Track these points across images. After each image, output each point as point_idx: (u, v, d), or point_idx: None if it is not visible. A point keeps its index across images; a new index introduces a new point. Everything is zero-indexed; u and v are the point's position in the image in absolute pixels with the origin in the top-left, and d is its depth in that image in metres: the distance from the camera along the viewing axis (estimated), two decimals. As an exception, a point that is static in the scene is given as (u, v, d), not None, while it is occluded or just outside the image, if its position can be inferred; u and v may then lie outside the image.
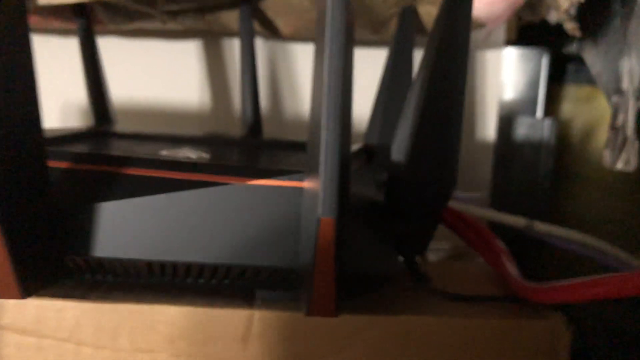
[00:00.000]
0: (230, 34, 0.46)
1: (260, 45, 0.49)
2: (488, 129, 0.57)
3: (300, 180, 0.18)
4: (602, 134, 0.56)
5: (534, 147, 0.56)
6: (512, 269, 0.23)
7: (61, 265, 0.19)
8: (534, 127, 0.56)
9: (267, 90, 0.50)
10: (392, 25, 0.37)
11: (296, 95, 0.50)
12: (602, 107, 0.56)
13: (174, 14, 0.38)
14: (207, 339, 0.19)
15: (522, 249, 0.30)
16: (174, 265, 0.19)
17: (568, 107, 0.58)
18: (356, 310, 0.19)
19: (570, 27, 0.35)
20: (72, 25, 0.37)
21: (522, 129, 0.56)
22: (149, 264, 0.19)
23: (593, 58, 0.48)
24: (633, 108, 0.40)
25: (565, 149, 0.56)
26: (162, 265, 0.19)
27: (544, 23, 0.42)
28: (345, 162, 0.15)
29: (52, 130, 0.26)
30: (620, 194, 0.54)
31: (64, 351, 0.19)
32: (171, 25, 0.40)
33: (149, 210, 0.18)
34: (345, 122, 0.15)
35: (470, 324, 0.20)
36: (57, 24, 0.39)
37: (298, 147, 0.29)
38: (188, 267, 0.19)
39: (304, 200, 0.18)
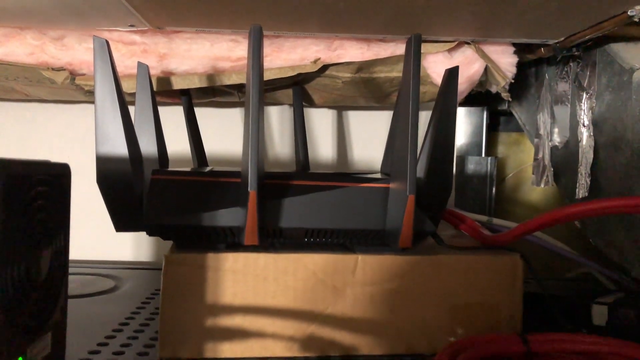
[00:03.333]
0: (274, 104, 0.64)
1: (287, 109, 0.67)
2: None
3: (387, 183, 0.36)
4: (527, 168, 0.77)
5: (481, 178, 0.73)
6: (485, 232, 0.41)
7: (264, 234, 0.35)
8: (480, 163, 0.73)
9: (291, 139, 0.67)
10: (392, 97, 0.56)
11: (314, 143, 0.68)
12: (526, 148, 0.77)
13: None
14: (334, 271, 0.36)
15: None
16: (318, 230, 0.36)
17: (502, 149, 0.78)
18: (413, 253, 0.37)
19: (505, 95, 0.55)
20: (178, 101, 0.54)
21: (472, 165, 0.73)
22: (307, 230, 0.36)
23: (519, 113, 0.67)
24: (547, 146, 0.59)
25: (502, 179, 0.75)
26: (310, 230, 0.36)
27: (485, 91, 0.61)
28: (415, 168, 0.33)
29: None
30: (541, 209, 0.73)
31: (257, 281, 0.35)
32: (241, 99, 0.57)
33: (307, 200, 0.35)
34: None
35: (467, 258, 0.37)
36: (168, 100, 0.55)
37: (339, 174, 0.47)
38: (324, 231, 0.36)
39: (391, 193, 0.36)
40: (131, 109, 0.40)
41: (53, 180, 0.26)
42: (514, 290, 0.38)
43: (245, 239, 0.34)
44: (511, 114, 0.74)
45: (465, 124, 0.73)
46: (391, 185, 0.36)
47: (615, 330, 0.39)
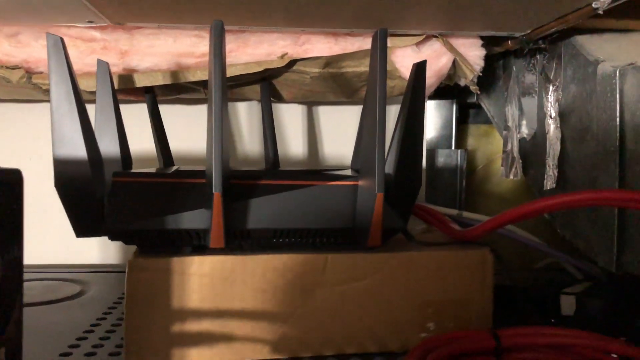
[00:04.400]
0: (242, 100, 0.62)
1: (255, 105, 0.66)
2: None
3: (356, 181, 0.36)
4: (497, 160, 0.77)
5: (451, 171, 0.73)
6: (455, 227, 0.41)
7: (231, 236, 0.34)
8: (450, 156, 0.73)
9: (260, 136, 0.66)
10: (361, 92, 0.55)
11: (284, 140, 0.67)
12: (495, 140, 0.77)
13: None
14: (303, 271, 0.35)
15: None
16: (287, 230, 0.35)
17: (471, 141, 0.78)
18: (383, 250, 0.37)
19: (473, 88, 0.55)
20: (141, 98, 0.52)
21: (442, 158, 0.73)
22: (275, 231, 0.35)
23: (488, 106, 0.68)
24: (516, 138, 0.59)
25: (471, 172, 0.75)
26: (279, 230, 0.35)
27: (454, 84, 0.61)
28: (383, 165, 0.32)
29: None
30: (511, 201, 0.74)
31: (225, 285, 0.34)
32: (207, 96, 0.55)
33: (275, 201, 0.34)
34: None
35: (437, 254, 0.37)
36: (131, 98, 0.54)
37: (310, 172, 0.46)
38: (293, 231, 0.35)
39: (360, 191, 0.35)
40: (91, 108, 0.38)
41: (3, 187, 0.25)
42: (484, 285, 0.38)
43: (211, 242, 0.33)
44: (480, 107, 0.74)
45: (435, 117, 0.73)
46: (360, 183, 0.36)
47: (583, 320, 0.39)
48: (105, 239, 0.65)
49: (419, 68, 0.40)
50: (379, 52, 0.32)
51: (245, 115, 0.66)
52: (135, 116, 0.55)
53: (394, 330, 0.37)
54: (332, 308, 0.36)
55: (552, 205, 0.34)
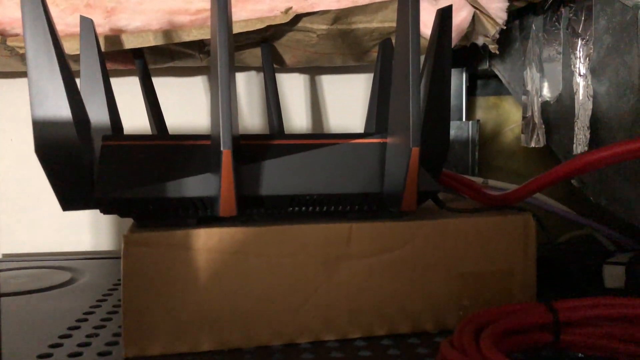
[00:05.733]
0: (240, 69, 0.58)
1: (254, 76, 0.61)
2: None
3: (384, 138, 0.31)
4: (506, 133, 0.73)
5: (463, 143, 0.69)
6: (490, 193, 0.36)
7: (242, 205, 0.29)
8: (461, 128, 0.70)
9: (261, 109, 0.62)
10: (372, 53, 0.51)
11: (286, 111, 0.62)
12: (504, 112, 0.73)
13: (209, 54, 0.49)
14: (325, 243, 0.31)
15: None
16: (305, 197, 0.31)
17: (479, 114, 0.74)
18: (413, 218, 0.32)
19: (492, 47, 0.51)
20: (130, 67, 0.47)
21: (453, 130, 0.69)
22: (291, 198, 0.30)
23: (502, 71, 0.63)
24: (537, 103, 0.55)
25: (481, 145, 0.71)
26: (296, 197, 0.31)
27: (462, 49, 0.56)
28: (418, 117, 0.28)
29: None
30: (522, 175, 0.70)
31: (237, 260, 0.30)
32: (204, 62, 0.51)
33: (292, 162, 0.30)
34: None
35: (475, 220, 0.33)
36: (119, 66, 0.49)
37: (320, 135, 0.42)
38: (312, 198, 0.31)
39: (389, 149, 0.30)
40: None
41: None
42: (527, 254, 0.34)
43: (221, 209, 0.28)
44: (488, 77, 0.70)
45: (445, 87, 0.69)
46: (389, 140, 0.31)
47: (637, 291, 0.35)
48: (96, 223, 0.61)
49: (445, 14, 0.36)
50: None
51: (245, 87, 0.61)
52: (124, 92, 0.50)
53: (428, 307, 0.32)
54: (358, 283, 0.31)
55: (607, 158, 0.29)
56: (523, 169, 0.73)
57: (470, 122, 0.70)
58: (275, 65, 0.54)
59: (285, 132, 0.53)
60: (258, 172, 0.30)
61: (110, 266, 0.53)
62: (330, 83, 0.63)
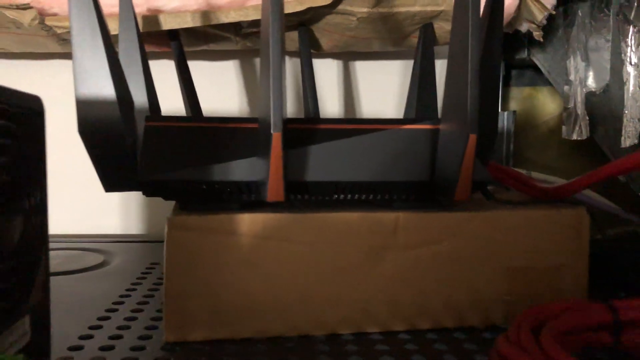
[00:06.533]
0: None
1: (287, 59, 0.60)
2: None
3: (436, 124, 0.30)
4: (541, 125, 0.71)
5: (498, 134, 0.68)
6: (541, 185, 0.35)
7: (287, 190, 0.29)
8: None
9: (294, 93, 0.60)
10: (412, 38, 0.49)
11: (319, 97, 0.61)
12: (539, 104, 0.71)
13: (245, 37, 0.48)
14: (371, 232, 0.30)
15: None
16: (352, 184, 0.30)
17: (513, 105, 0.72)
18: (462, 209, 0.31)
19: (537, 34, 0.49)
20: (165, 49, 0.46)
21: (487, 121, 0.67)
22: (337, 184, 0.30)
23: (542, 61, 0.61)
24: (581, 93, 0.53)
25: (515, 137, 0.69)
26: (342, 184, 0.30)
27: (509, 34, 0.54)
28: (477, 104, 0.27)
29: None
30: (555, 169, 0.69)
31: (280, 247, 0.29)
32: (239, 45, 0.50)
33: (340, 148, 0.29)
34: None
35: (528, 213, 0.32)
36: (154, 48, 0.48)
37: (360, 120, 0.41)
38: (359, 185, 0.30)
39: (442, 136, 0.29)
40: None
41: (21, 115, 0.19)
42: (579, 250, 0.32)
43: (269, 194, 0.27)
44: (525, 67, 0.68)
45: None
46: (442, 127, 0.30)
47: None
48: (127, 207, 0.61)
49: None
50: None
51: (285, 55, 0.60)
52: (160, 72, 0.49)
53: (475, 301, 0.31)
54: (403, 275, 0.30)
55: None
56: (556, 163, 0.71)
57: (505, 113, 0.68)
58: (311, 50, 0.52)
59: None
60: (304, 157, 0.29)
61: (141, 250, 0.52)
62: (363, 69, 0.61)
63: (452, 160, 0.28)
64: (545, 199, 0.34)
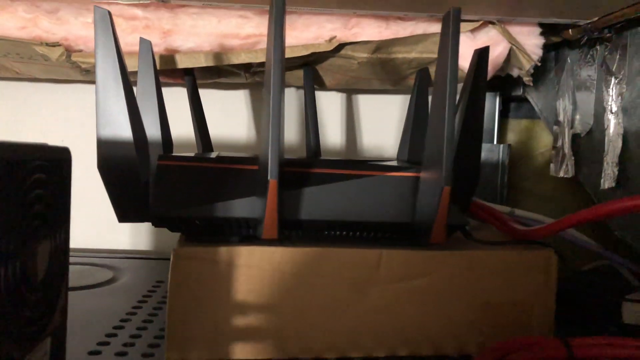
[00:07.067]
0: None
1: (294, 92, 0.64)
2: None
3: (417, 172, 0.33)
4: (537, 156, 0.74)
5: (493, 166, 0.71)
6: (516, 225, 0.38)
7: (282, 226, 0.32)
8: (492, 151, 0.71)
9: (299, 124, 0.64)
10: (409, 80, 0.53)
11: (322, 128, 0.64)
12: (537, 136, 0.74)
13: (254, 74, 0.52)
14: (356, 266, 0.33)
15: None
16: (341, 223, 0.33)
17: (511, 136, 0.75)
18: (441, 248, 0.34)
19: (527, 79, 0.52)
20: (180, 81, 0.50)
21: (484, 153, 0.71)
22: (328, 223, 0.33)
23: (536, 99, 0.65)
24: (568, 134, 0.56)
25: (510, 168, 0.72)
26: (332, 222, 0.33)
27: (503, 76, 0.58)
28: (451, 157, 0.30)
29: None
30: (550, 199, 0.71)
31: (274, 277, 0.32)
32: (248, 80, 0.53)
33: (331, 190, 0.32)
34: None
35: (501, 253, 0.35)
36: (170, 80, 0.52)
37: (355, 162, 0.44)
38: (347, 224, 0.33)
39: (421, 183, 0.33)
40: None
41: (52, 166, 0.23)
42: (547, 288, 0.35)
43: (264, 232, 0.31)
44: (523, 100, 0.71)
45: (477, 110, 0.71)
46: (422, 175, 0.33)
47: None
48: (137, 224, 0.64)
49: (482, 55, 0.38)
50: (451, 35, 0.29)
51: (285, 103, 0.64)
52: (172, 100, 0.53)
53: (450, 333, 0.34)
54: (385, 306, 0.34)
55: (632, 208, 0.31)
56: (552, 192, 0.74)
57: (501, 146, 0.71)
58: (315, 86, 0.56)
59: (322, 149, 0.55)
60: (298, 198, 0.33)
61: (148, 266, 0.56)
62: (366, 102, 0.65)
63: (429, 206, 0.31)
64: (520, 240, 0.38)
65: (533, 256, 0.35)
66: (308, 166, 0.33)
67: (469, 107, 0.37)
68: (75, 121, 0.63)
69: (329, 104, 0.64)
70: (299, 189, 0.32)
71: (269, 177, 0.29)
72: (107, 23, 0.33)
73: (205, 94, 0.61)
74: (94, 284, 0.48)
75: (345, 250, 0.33)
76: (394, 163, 0.44)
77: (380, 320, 0.34)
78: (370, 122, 0.65)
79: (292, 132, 0.64)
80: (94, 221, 0.63)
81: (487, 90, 0.66)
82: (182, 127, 0.53)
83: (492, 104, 0.72)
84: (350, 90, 0.64)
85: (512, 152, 0.74)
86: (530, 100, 0.66)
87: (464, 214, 0.37)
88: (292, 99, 0.63)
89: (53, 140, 0.62)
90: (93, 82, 0.51)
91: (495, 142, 0.72)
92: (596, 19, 0.44)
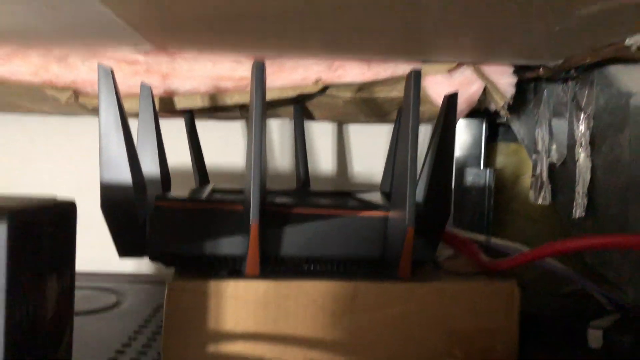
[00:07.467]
0: (271, 117, 0.64)
1: (287, 122, 0.68)
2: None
3: (386, 211, 0.37)
4: (525, 179, 0.77)
5: (480, 190, 0.74)
6: (484, 257, 0.41)
7: (265, 261, 0.35)
8: (479, 175, 0.74)
9: (291, 152, 0.68)
10: (393, 114, 0.56)
11: (314, 156, 0.68)
12: (525, 158, 0.77)
13: (247, 110, 0.55)
14: (334, 298, 0.37)
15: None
16: (319, 258, 0.36)
17: (500, 159, 0.78)
18: (412, 279, 0.38)
19: (503, 113, 0.55)
20: (179, 116, 0.54)
21: (470, 177, 0.74)
22: (307, 258, 0.36)
23: (518, 127, 0.68)
24: (545, 163, 0.60)
25: (499, 190, 0.76)
26: (311, 258, 0.36)
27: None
28: (414, 200, 0.33)
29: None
30: (538, 220, 0.74)
31: (258, 308, 0.36)
32: (243, 116, 0.57)
33: (308, 229, 0.36)
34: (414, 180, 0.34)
35: (465, 285, 0.38)
36: (168, 116, 0.56)
37: (340, 194, 0.48)
38: (325, 258, 0.37)
39: (390, 222, 0.36)
40: (132, 122, 0.40)
41: (60, 219, 0.27)
42: (510, 316, 0.38)
43: (247, 269, 0.34)
44: (509, 125, 0.74)
45: (464, 136, 0.74)
46: (390, 214, 0.37)
47: (611, 355, 0.40)
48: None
49: (450, 100, 0.41)
50: (413, 93, 0.33)
51: (277, 132, 0.68)
52: (173, 131, 0.57)
53: (420, 358, 0.38)
54: (360, 334, 0.37)
55: (589, 245, 0.34)
56: (539, 214, 0.77)
57: (487, 170, 0.74)
58: (305, 119, 0.60)
59: (311, 175, 0.58)
60: (280, 236, 0.36)
61: (150, 291, 0.59)
62: (356, 131, 0.69)
63: (397, 244, 0.34)
64: (488, 271, 0.41)
65: (497, 287, 0.38)
66: (289, 206, 0.37)
67: (440, 147, 0.40)
68: (80, 151, 0.67)
69: (320, 133, 0.68)
70: (279, 228, 0.36)
71: (251, 222, 0.32)
72: (109, 79, 0.37)
73: (204, 124, 0.65)
74: (98, 308, 0.52)
75: (323, 282, 0.36)
76: (376, 195, 0.47)
77: (355, 347, 0.37)
78: (360, 150, 0.68)
79: (285, 160, 0.68)
80: (101, 245, 0.67)
81: (472, 115, 0.71)
82: (180, 156, 0.57)
83: (479, 130, 0.75)
84: (340, 120, 0.67)
85: (501, 175, 0.77)
86: (513, 128, 0.69)
87: (434, 247, 0.40)
88: (286, 129, 0.67)
89: (62, 169, 0.67)
90: (96, 112, 0.55)
91: (482, 167, 0.75)
92: (561, 61, 0.48)
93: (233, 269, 0.37)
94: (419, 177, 0.41)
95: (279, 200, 0.42)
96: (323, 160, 0.68)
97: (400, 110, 0.53)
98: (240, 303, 0.36)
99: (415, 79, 0.33)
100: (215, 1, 0.33)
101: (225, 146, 0.67)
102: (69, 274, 0.28)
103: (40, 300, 0.25)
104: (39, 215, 0.24)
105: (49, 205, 0.26)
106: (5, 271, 0.21)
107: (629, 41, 0.38)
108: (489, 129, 0.74)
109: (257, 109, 0.33)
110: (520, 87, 0.59)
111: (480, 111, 0.62)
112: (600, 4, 0.29)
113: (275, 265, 0.37)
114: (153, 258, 0.37)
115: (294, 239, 0.36)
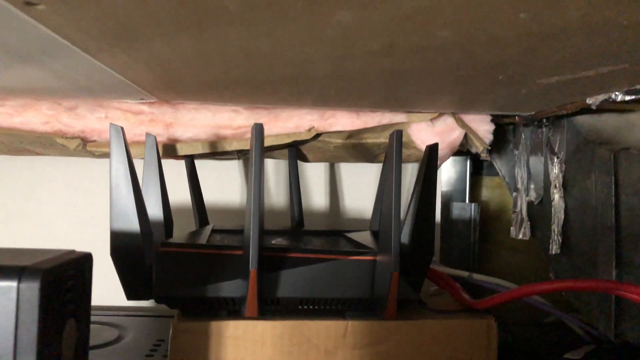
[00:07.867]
0: (267, 158, 0.68)
1: (282, 163, 0.71)
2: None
3: (374, 256, 0.40)
4: (509, 211, 0.81)
5: (465, 223, 0.77)
6: (465, 295, 0.45)
7: (263, 303, 0.39)
8: (464, 209, 0.78)
9: (287, 190, 0.71)
10: (381, 157, 0.60)
11: (308, 194, 0.72)
12: (507, 192, 0.81)
13: (244, 153, 0.59)
14: (326, 336, 0.40)
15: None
16: (312, 299, 0.40)
17: (485, 192, 0.82)
18: (398, 317, 0.41)
19: (484, 156, 0.59)
20: (181, 159, 0.58)
21: (457, 211, 0.78)
22: (301, 299, 0.40)
23: (499, 165, 0.72)
24: (525, 200, 0.63)
25: (485, 222, 0.79)
26: (305, 299, 0.40)
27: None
28: (398, 248, 0.37)
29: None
30: (521, 251, 0.78)
31: (256, 347, 0.39)
32: (241, 160, 0.61)
33: (303, 272, 0.39)
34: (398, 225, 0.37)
35: (447, 322, 0.42)
36: (171, 158, 0.59)
37: (332, 233, 0.51)
38: (318, 299, 0.40)
39: (377, 265, 0.40)
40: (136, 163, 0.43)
41: (79, 272, 0.30)
42: (489, 350, 0.42)
43: (246, 311, 0.38)
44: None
45: (450, 172, 0.78)
46: (378, 258, 0.40)
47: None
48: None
49: (432, 150, 0.45)
50: (395, 153, 0.37)
51: (273, 172, 0.71)
52: (174, 170, 0.61)
53: (406, 391, 0.41)
54: (350, 369, 0.40)
55: (556, 289, 0.38)
56: (523, 245, 0.81)
57: (472, 205, 0.78)
58: (299, 160, 0.64)
59: (305, 212, 0.62)
60: (277, 279, 0.39)
61: (151, 324, 0.62)
62: (347, 171, 0.72)
63: (383, 286, 0.38)
64: (469, 308, 0.44)
65: (475, 324, 0.42)
66: (285, 250, 0.40)
67: (423, 194, 0.44)
68: (84, 189, 0.70)
69: (314, 173, 0.71)
70: (277, 272, 0.39)
71: (250, 268, 0.36)
72: (120, 137, 0.40)
73: (203, 164, 0.69)
74: (101, 344, 0.54)
75: (316, 322, 0.40)
76: (365, 235, 0.51)
77: (346, 381, 0.40)
78: (351, 189, 0.72)
79: (281, 197, 0.71)
80: (101, 277, 0.70)
81: (456, 154, 0.74)
82: (180, 194, 0.60)
83: (464, 166, 0.79)
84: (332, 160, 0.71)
85: (486, 207, 0.81)
86: (495, 166, 0.73)
87: (418, 286, 0.44)
88: (281, 169, 0.71)
89: (67, 207, 0.70)
90: (102, 157, 0.59)
91: (467, 201, 0.78)
92: (533, 112, 0.52)
93: (233, 309, 0.40)
94: (405, 219, 0.45)
95: (276, 242, 0.46)
96: (317, 197, 0.71)
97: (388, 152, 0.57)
98: (240, 342, 0.39)
99: (397, 138, 0.37)
100: (214, 70, 0.37)
101: (222, 184, 0.70)
102: (86, 320, 0.31)
103: (62, 342, 0.28)
104: (63, 271, 0.27)
105: (71, 261, 0.29)
106: (37, 324, 0.24)
107: (589, 100, 0.42)
108: (474, 163, 0.78)
109: (257, 164, 0.36)
110: (501, 128, 0.63)
111: (463, 151, 0.66)
112: (556, 77, 0.33)
113: (272, 306, 0.41)
114: (159, 301, 0.40)
115: (290, 282, 0.40)
